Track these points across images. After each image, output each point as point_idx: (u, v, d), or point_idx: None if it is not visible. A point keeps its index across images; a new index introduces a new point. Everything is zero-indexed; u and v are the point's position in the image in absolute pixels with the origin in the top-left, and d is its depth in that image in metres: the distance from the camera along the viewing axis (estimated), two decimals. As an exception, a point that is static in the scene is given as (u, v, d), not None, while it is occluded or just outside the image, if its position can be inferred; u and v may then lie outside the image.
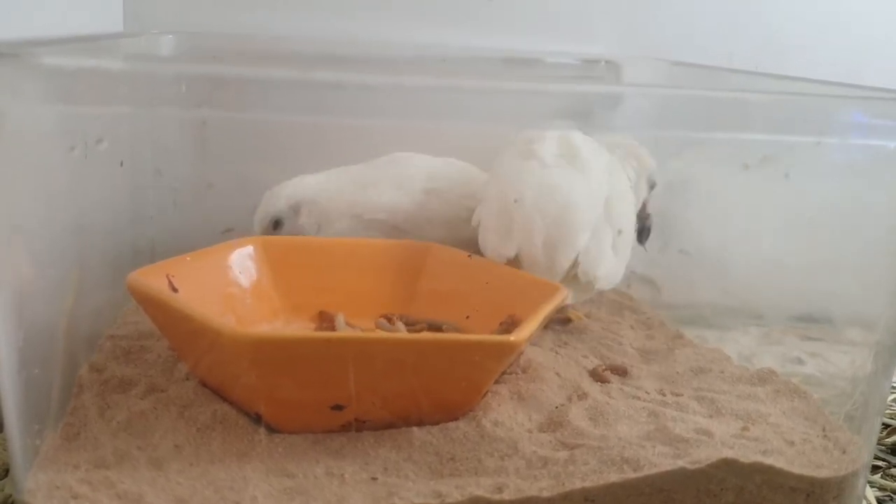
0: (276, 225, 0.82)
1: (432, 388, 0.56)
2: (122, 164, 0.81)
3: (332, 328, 0.71)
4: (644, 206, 0.85)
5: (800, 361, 0.96)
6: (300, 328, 0.72)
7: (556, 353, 0.72)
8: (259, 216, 0.83)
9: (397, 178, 0.85)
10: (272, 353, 0.53)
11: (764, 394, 0.66)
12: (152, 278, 0.63)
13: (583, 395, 0.63)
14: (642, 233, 0.85)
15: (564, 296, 0.67)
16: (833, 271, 0.93)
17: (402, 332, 0.70)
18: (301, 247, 0.78)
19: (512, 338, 0.55)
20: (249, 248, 0.74)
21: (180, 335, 0.61)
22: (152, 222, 0.96)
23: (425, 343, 0.56)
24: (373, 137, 0.96)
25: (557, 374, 0.66)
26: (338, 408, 0.55)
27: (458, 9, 0.95)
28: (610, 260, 0.76)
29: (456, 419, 0.58)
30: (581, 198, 0.75)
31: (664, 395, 0.66)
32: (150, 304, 0.60)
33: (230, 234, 0.97)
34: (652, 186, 0.84)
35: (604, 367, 0.72)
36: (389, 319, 0.74)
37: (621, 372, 0.72)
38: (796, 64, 1.01)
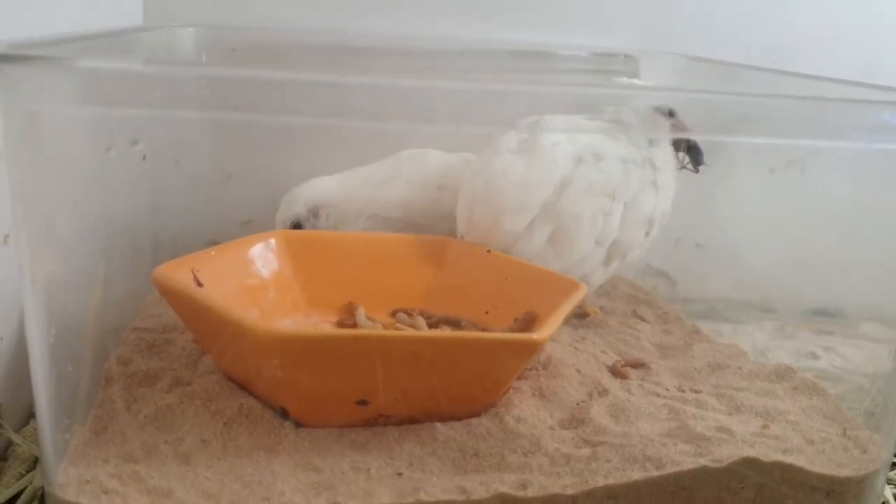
0: (295, 228, 0.83)
1: (455, 385, 0.57)
2: (144, 158, 0.81)
3: (354, 321, 0.72)
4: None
5: (814, 356, 0.96)
6: (321, 321, 0.73)
7: (576, 348, 0.72)
8: (279, 219, 0.84)
9: (411, 174, 0.85)
10: (298, 350, 0.53)
11: (782, 391, 0.67)
12: (177, 273, 0.63)
13: (603, 392, 0.63)
14: (690, 154, 0.84)
15: (584, 293, 0.67)
16: (849, 266, 0.94)
17: (425, 330, 0.71)
18: (321, 240, 0.78)
19: (535, 336, 0.56)
20: (271, 242, 0.75)
21: (206, 330, 0.61)
22: (172, 213, 0.97)
23: (449, 341, 0.56)
24: (387, 131, 0.96)
25: (578, 370, 0.66)
26: (363, 403, 0.56)
27: (474, 1, 0.95)
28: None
29: (478, 415, 0.59)
30: (513, 182, 0.75)
31: (683, 391, 0.66)
32: (176, 298, 0.61)
33: (249, 225, 0.98)
34: (670, 114, 0.77)
35: (623, 362, 0.72)
36: (409, 314, 0.75)
37: (640, 366, 0.73)
38: (812, 58, 1.01)
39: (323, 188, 0.85)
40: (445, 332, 0.62)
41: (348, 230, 0.84)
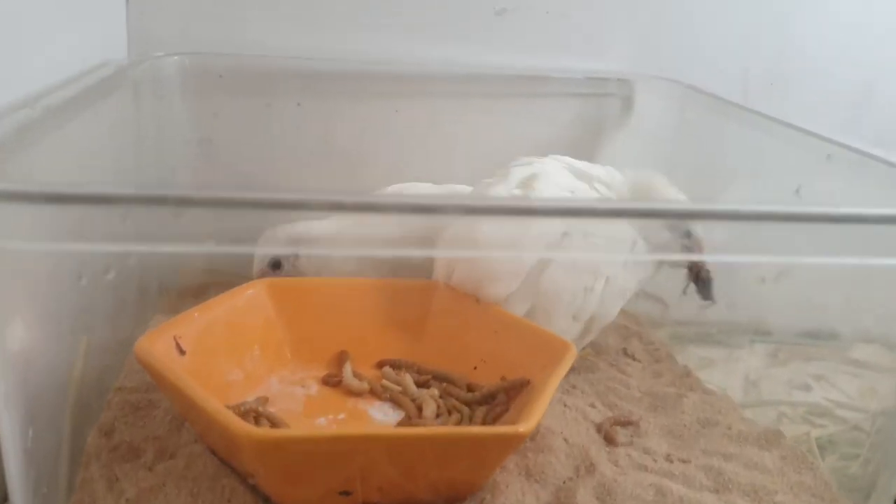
0: (274, 266, 0.81)
1: (439, 476, 0.56)
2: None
3: (340, 378, 0.71)
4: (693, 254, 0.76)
5: (807, 387, 0.96)
6: (307, 377, 0.72)
7: (565, 405, 0.72)
8: (258, 256, 0.82)
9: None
10: (281, 451, 0.53)
11: (771, 462, 0.66)
12: (159, 343, 0.63)
13: (591, 468, 0.63)
14: (698, 285, 0.77)
15: (574, 356, 0.66)
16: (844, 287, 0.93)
17: (411, 388, 0.70)
18: (306, 288, 0.77)
19: (521, 429, 0.55)
20: (255, 294, 0.74)
21: (188, 414, 0.61)
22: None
23: (434, 437, 0.56)
24: (375, 165, 0.95)
25: (565, 439, 0.66)
26: (345, 493, 0.55)
27: (467, 24, 0.93)
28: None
29: (464, 499, 0.58)
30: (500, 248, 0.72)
31: (671, 461, 0.66)
32: (157, 378, 0.60)
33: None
34: (686, 234, 0.75)
35: (612, 420, 0.72)
36: (395, 366, 0.74)
37: (629, 424, 0.72)
38: (812, 79, 0.98)
39: (304, 227, 0.83)
40: (427, 430, 0.61)
41: (332, 271, 0.83)
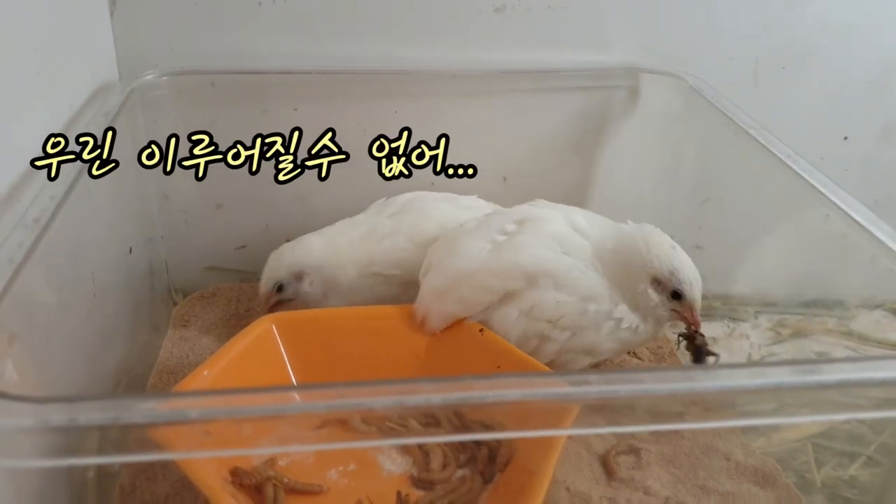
0: (279, 289, 0.82)
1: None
2: (130, 252, 0.80)
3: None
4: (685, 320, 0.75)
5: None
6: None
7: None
8: (263, 279, 0.84)
9: (410, 230, 0.83)
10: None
11: (766, 502, 0.69)
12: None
13: (591, 521, 0.66)
14: (689, 350, 0.76)
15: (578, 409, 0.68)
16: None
17: (417, 431, 0.72)
18: (313, 320, 0.78)
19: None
20: (262, 336, 0.75)
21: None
22: (164, 242, 0.96)
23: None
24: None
25: (567, 489, 0.69)
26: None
27: (467, 22, 0.89)
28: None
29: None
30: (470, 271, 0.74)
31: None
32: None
33: (243, 250, 0.98)
34: (675, 295, 0.73)
35: (615, 451, 0.74)
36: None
37: (631, 452, 0.75)
38: (823, 69, 0.95)
39: (308, 250, 0.83)
40: None
41: (340, 289, 0.83)
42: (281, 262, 0.83)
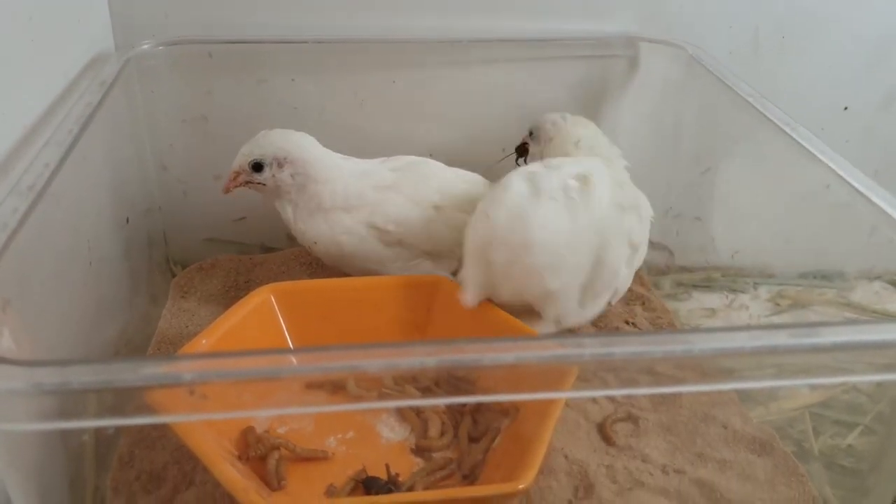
0: (256, 167, 0.79)
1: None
2: (127, 222, 0.80)
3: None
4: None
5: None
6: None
7: (566, 403, 0.74)
8: (242, 151, 0.80)
9: (411, 192, 0.83)
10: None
11: (763, 471, 0.69)
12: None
13: (589, 489, 0.66)
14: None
15: (576, 373, 0.68)
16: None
17: (415, 395, 0.71)
18: (311, 290, 0.78)
19: (521, 486, 0.57)
20: (258, 306, 0.75)
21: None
22: (162, 213, 0.96)
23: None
24: (377, 133, 0.93)
25: (566, 456, 0.69)
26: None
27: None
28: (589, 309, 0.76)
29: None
30: (558, 239, 0.71)
31: (667, 472, 0.69)
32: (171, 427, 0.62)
33: (242, 221, 0.98)
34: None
35: (613, 418, 0.74)
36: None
37: (629, 419, 0.75)
38: (823, 37, 0.94)
39: (305, 142, 0.81)
40: (428, 494, 0.63)
41: (320, 208, 0.82)
42: (270, 140, 0.79)
